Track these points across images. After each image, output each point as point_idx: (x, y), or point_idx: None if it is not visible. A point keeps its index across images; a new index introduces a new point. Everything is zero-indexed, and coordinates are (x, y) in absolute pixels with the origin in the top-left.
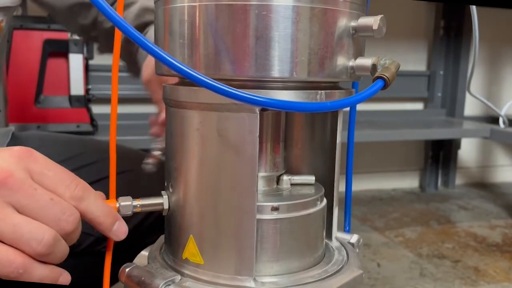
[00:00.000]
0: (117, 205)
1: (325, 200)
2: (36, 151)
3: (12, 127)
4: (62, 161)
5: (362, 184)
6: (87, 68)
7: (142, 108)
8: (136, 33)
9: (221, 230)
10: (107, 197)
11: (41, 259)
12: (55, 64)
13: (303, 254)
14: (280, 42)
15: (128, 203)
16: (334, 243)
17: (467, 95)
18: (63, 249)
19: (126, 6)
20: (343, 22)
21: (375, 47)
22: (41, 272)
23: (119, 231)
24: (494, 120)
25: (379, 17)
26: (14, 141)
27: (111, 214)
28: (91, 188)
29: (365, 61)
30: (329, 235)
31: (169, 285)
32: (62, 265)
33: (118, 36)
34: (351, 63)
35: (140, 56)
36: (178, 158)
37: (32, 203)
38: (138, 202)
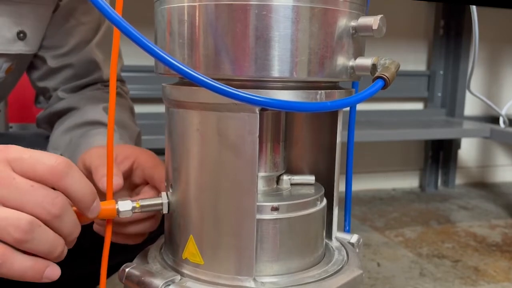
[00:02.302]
0: (116, 206)
1: (325, 200)
2: (14, 145)
3: None
4: None
5: (362, 184)
6: None
7: (142, 108)
8: (136, 33)
9: (221, 230)
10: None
11: (23, 247)
12: None
13: (303, 254)
14: (280, 42)
15: (128, 204)
16: (334, 243)
17: (467, 95)
18: (47, 236)
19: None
20: (343, 22)
21: (375, 47)
22: (22, 263)
23: (97, 209)
24: (494, 120)
25: (379, 17)
26: (8, 139)
27: (92, 191)
28: (72, 163)
29: (365, 61)
30: (329, 235)
31: (169, 285)
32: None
33: (117, 35)
34: (351, 63)
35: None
36: (178, 158)
37: (12, 192)
38: (137, 205)
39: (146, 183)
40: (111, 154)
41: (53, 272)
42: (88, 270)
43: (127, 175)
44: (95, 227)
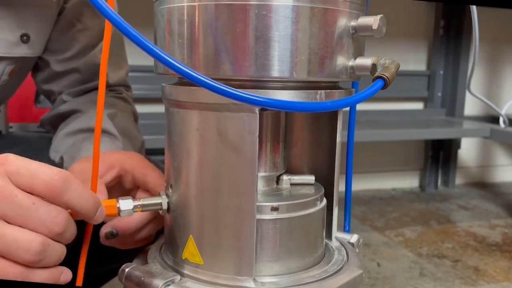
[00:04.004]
0: (118, 205)
1: (325, 200)
2: (12, 154)
3: None
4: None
5: (362, 184)
6: None
7: (142, 108)
8: (135, 33)
9: (220, 230)
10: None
11: (36, 266)
12: None
13: (303, 254)
14: (279, 42)
15: (129, 203)
16: (334, 243)
17: (467, 95)
18: (56, 251)
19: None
20: (343, 22)
21: (375, 47)
22: (41, 277)
23: (101, 217)
24: (494, 119)
25: (378, 16)
26: (11, 140)
27: (94, 201)
28: (70, 176)
29: (365, 61)
30: (329, 235)
31: (169, 285)
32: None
33: (109, 28)
34: (351, 63)
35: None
36: (178, 158)
37: (15, 210)
38: (138, 202)
39: (137, 187)
40: (97, 147)
41: (67, 276)
42: (87, 273)
43: (114, 184)
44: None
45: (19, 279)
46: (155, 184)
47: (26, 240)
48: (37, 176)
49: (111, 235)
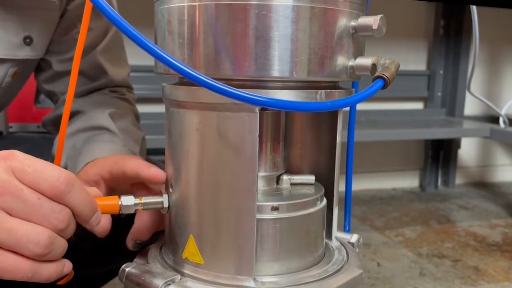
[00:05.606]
0: (119, 202)
1: (325, 200)
2: (17, 151)
3: None
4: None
5: (362, 184)
6: None
7: (142, 108)
8: (135, 32)
9: (221, 229)
10: None
11: (43, 259)
12: None
13: (303, 254)
14: (280, 42)
15: (130, 201)
16: (334, 243)
17: (467, 95)
18: (61, 245)
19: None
20: (343, 22)
21: (375, 47)
22: (48, 270)
23: (96, 221)
24: (494, 119)
25: (378, 16)
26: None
27: (92, 205)
28: (74, 179)
29: (365, 61)
30: (329, 234)
31: (169, 284)
32: None
33: (87, 16)
34: (351, 62)
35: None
36: (178, 158)
37: (20, 204)
38: (139, 201)
39: (136, 184)
40: (61, 144)
41: (69, 267)
42: (88, 273)
43: (110, 192)
44: None
45: (29, 274)
46: (137, 166)
47: (35, 234)
48: (42, 176)
49: (138, 245)
